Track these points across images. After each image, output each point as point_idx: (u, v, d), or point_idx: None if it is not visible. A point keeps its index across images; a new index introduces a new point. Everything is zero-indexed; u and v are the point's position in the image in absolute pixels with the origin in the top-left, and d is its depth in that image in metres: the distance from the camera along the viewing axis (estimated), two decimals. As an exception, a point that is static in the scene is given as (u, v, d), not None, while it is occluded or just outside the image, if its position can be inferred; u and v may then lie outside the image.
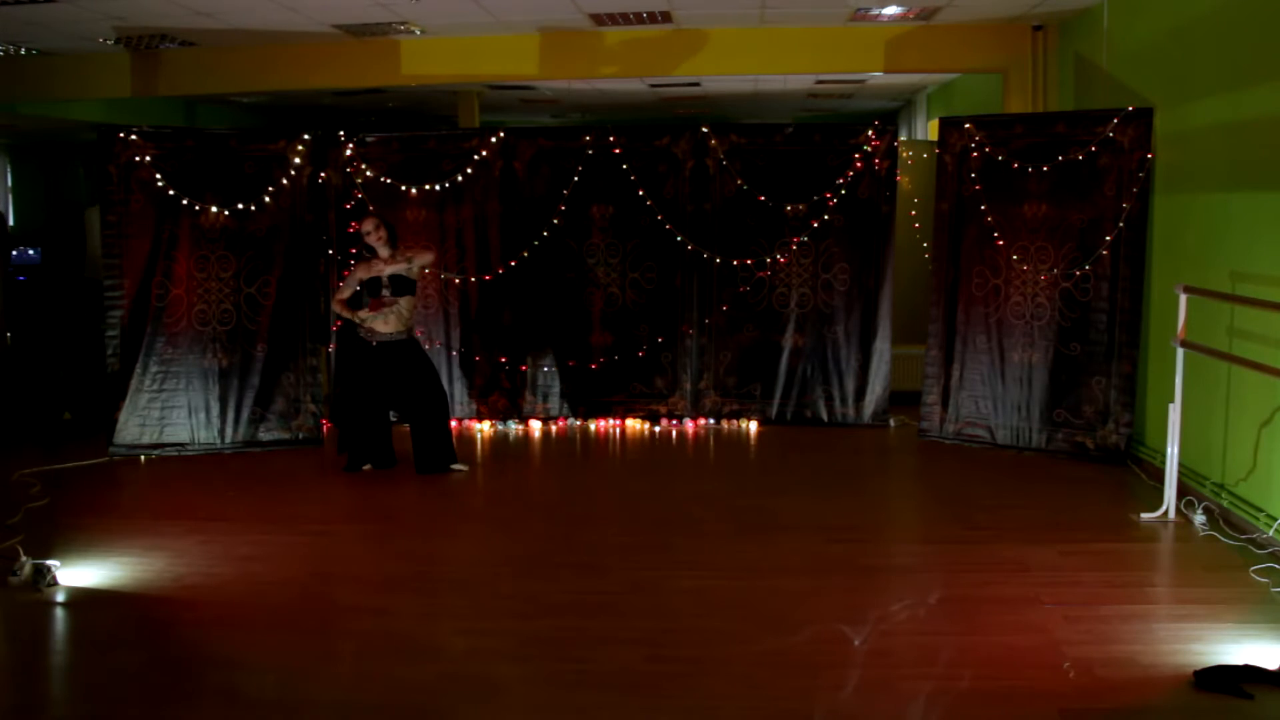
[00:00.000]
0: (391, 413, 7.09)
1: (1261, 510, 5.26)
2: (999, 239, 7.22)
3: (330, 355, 7.96)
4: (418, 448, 6.74)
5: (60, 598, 4.69)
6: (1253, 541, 5.15)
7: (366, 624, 4.46)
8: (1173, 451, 5.64)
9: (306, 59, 9.28)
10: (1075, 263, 6.94)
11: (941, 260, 7.52)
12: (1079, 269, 6.92)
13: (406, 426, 7.01)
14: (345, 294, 6.72)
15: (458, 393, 8.17)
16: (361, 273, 6.66)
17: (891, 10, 7.98)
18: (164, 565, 5.08)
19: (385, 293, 6.56)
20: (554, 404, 8.16)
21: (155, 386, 7.25)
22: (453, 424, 8.12)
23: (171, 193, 7.22)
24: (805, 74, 11.09)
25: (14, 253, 12.44)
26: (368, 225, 6.66)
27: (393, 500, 6.30)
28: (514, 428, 8.09)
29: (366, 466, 6.80)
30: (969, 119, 7.45)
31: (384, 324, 6.55)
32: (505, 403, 8.18)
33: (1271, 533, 5.08)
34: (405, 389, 6.70)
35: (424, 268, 6.80)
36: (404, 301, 6.60)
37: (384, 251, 6.63)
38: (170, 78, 9.52)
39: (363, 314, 6.65)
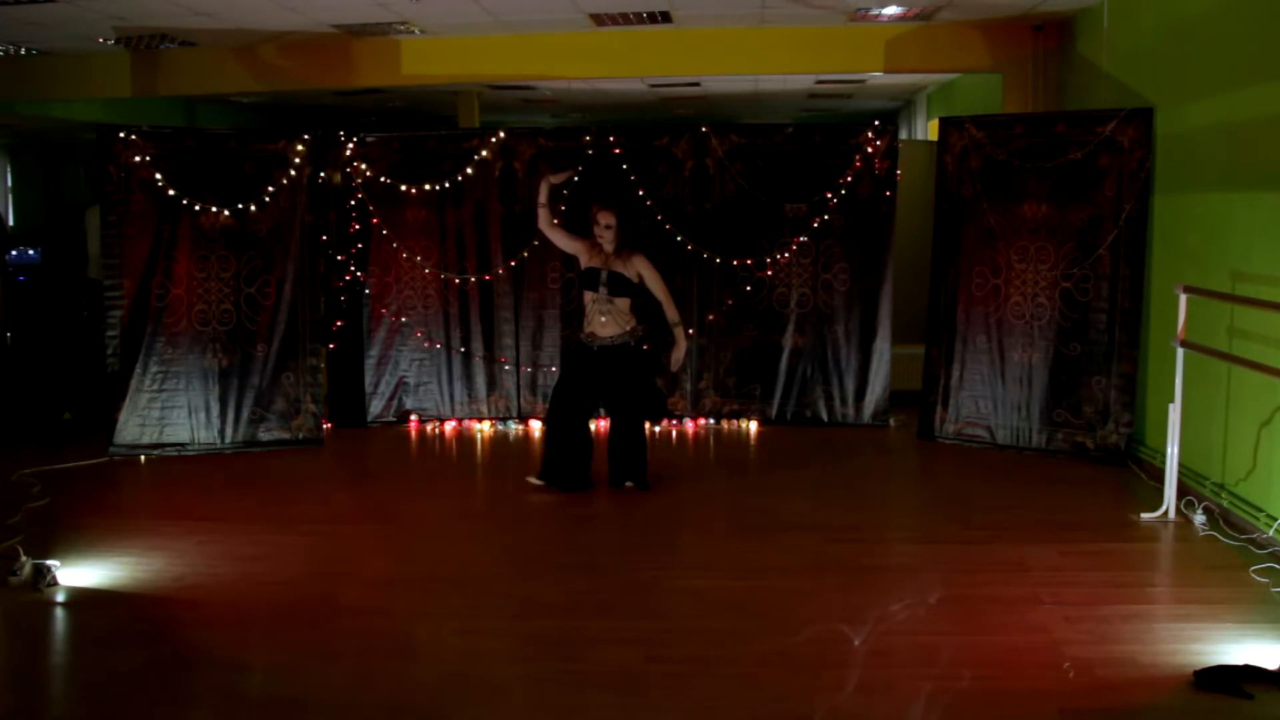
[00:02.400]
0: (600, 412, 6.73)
1: (1261, 510, 5.26)
2: (999, 239, 7.22)
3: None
4: (613, 459, 6.39)
5: (60, 598, 4.69)
6: (1253, 541, 5.15)
7: (366, 624, 4.46)
8: (1173, 451, 5.63)
9: (306, 59, 9.29)
10: (1075, 263, 6.94)
11: (941, 260, 7.52)
12: (1079, 269, 6.92)
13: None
14: (550, 221, 6.33)
15: (457, 393, 8.18)
16: (584, 253, 6.24)
17: (891, 10, 7.98)
18: (164, 565, 5.08)
19: (602, 289, 6.13)
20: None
21: (155, 386, 7.25)
22: (452, 425, 8.15)
23: (171, 193, 7.22)
24: (805, 74, 11.09)
25: (13, 253, 12.41)
26: (610, 219, 6.16)
27: (393, 500, 6.30)
28: (514, 428, 8.09)
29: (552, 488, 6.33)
30: (969, 119, 7.45)
31: (603, 326, 6.14)
32: (505, 403, 8.18)
33: (1271, 533, 5.08)
34: (617, 396, 6.31)
35: (641, 277, 6.20)
36: (620, 303, 6.15)
37: (609, 248, 6.20)
38: (170, 78, 9.52)
39: (554, 178, 6.43)
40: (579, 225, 8.00)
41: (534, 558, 5.30)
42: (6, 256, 12.01)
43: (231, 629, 4.37)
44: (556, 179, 6.49)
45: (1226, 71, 5.70)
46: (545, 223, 6.34)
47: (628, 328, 6.19)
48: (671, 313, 6.31)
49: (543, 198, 6.31)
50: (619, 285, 6.15)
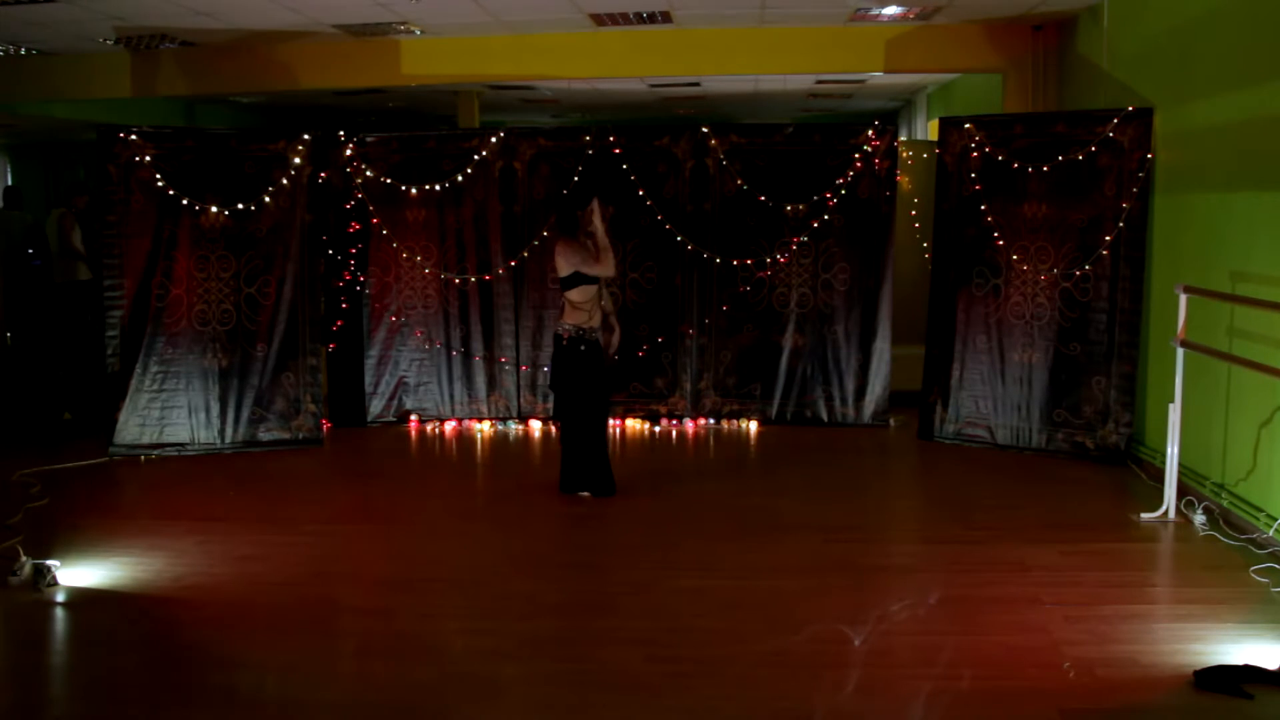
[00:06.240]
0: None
1: (1261, 510, 5.26)
2: (999, 239, 7.22)
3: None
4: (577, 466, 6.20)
5: (60, 598, 4.69)
6: (1253, 541, 5.15)
7: (366, 624, 4.46)
8: (1173, 451, 5.63)
9: (306, 59, 9.29)
10: (1075, 263, 6.94)
11: (941, 260, 7.52)
12: (1079, 269, 6.92)
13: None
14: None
15: (457, 393, 8.18)
16: (581, 255, 6.05)
17: (891, 10, 7.99)
18: (164, 565, 5.08)
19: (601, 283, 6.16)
20: (554, 404, 8.15)
21: (155, 386, 7.25)
22: (452, 425, 8.16)
23: (171, 193, 7.22)
24: (805, 74, 11.09)
25: (38, 261, 12.37)
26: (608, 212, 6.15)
27: (393, 500, 6.30)
28: (514, 428, 8.09)
29: (585, 493, 6.19)
30: (969, 119, 7.44)
31: (598, 317, 6.10)
32: (505, 403, 8.18)
33: (1271, 533, 5.08)
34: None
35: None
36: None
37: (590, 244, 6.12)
38: (170, 78, 9.53)
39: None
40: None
41: (534, 558, 5.30)
42: (34, 263, 12.02)
43: (231, 629, 4.37)
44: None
45: (1226, 71, 5.70)
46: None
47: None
48: (608, 308, 6.34)
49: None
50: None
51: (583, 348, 6.01)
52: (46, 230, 10.83)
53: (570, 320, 6.03)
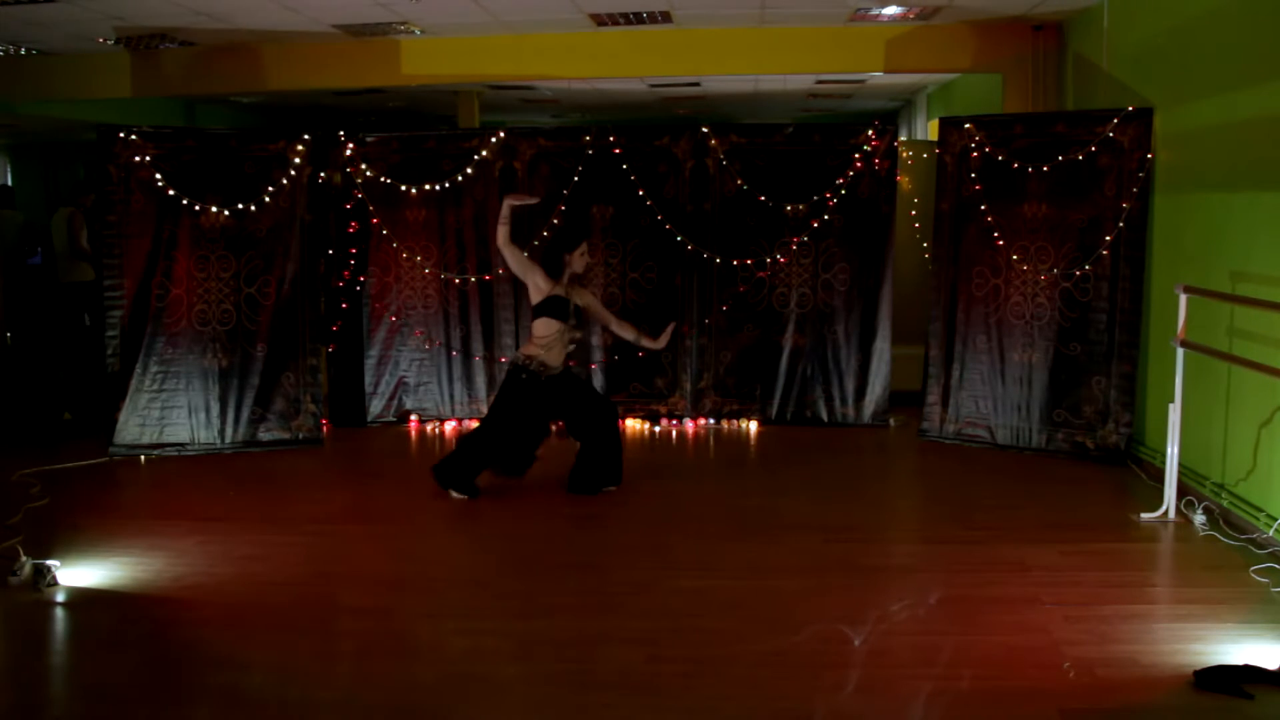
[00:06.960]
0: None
1: (1261, 510, 5.26)
2: (999, 239, 7.22)
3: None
4: (584, 465, 6.27)
5: (60, 598, 4.69)
6: (1253, 541, 5.15)
7: (366, 624, 4.46)
8: (1173, 451, 5.63)
9: (306, 59, 9.29)
10: (1075, 263, 6.94)
11: (941, 260, 7.52)
12: (1079, 269, 6.92)
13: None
14: (509, 239, 6.10)
15: (457, 393, 8.18)
16: (541, 280, 6.02)
17: (891, 10, 7.99)
18: (164, 565, 5.08)
19: (572, 320, 6.14)
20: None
21: (155, 386, 7.25)
22: (452, 425, 8.15)
23: (171, 193, 7.22)
24: (805, 74, 11.10)
25: (36, 258, 12.36)
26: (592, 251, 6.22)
27: (393, 500, 6.30)
28: (514, 428, 8.08)
29: (454, 493, 6.23)
30: (969, 119, 7.44)
31: (558, 356, 6.08)
32: (505, 403, 8.18)
33: (1271, 533, 5.08)
34: (582, 409, 6.22)
35: (585, 307, 6.33)
36: (576, 333, 6.29)
37: (576, 282, 6.23)
38: (170, 78, 9.52)
39: (514, 200, 6.16)
40: (574, 224, 8.00)
41: (534, 558, 5.30)
42: (30, 260, 12.01)
43: (231, 629, 4.37)
44: (517, 201, 6.27)
45: (1226, 71, 5.70)
46: (504, 240, 6.12)
47: (568, 353, 6.24)
48: (629, 332, 6.39)
49: (504, 215, 6.13)
50: (580, 316, 6.23)
51: (524, 376, 6.05)
52: (52, 229, 10.82)
53: (525, 350, 6.11)
